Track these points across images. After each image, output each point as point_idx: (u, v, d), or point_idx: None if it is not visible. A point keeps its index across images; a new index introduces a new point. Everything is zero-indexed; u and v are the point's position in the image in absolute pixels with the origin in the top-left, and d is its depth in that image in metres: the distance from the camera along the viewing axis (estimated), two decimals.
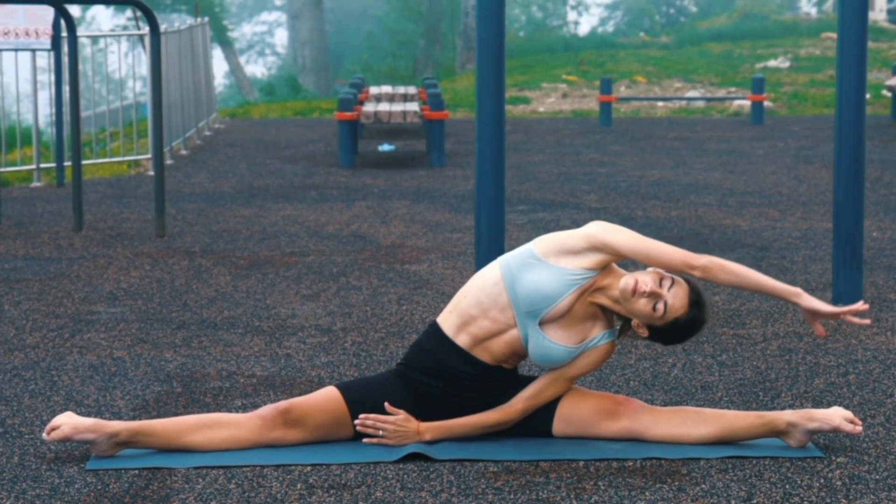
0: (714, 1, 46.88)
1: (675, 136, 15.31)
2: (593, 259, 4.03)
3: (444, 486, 3.77)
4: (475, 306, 4.08)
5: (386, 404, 4.08)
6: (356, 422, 4.08)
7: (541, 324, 4.04)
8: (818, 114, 18.39)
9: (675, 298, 4.00)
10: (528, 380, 4.18)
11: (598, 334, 4.09)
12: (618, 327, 4.18)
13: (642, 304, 3.99)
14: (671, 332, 4.05)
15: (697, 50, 29.63)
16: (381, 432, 4.06)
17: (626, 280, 4.00)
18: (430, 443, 4.07)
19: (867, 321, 4.12)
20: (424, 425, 4.09)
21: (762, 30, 32.15)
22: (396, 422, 4.07)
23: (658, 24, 46.60)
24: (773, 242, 7.99)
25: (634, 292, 3.98)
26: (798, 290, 4.08)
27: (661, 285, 3.99)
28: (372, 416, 4.07)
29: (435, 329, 4.14)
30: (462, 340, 4.09)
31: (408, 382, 4.14)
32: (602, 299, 4.07)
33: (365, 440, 4.07)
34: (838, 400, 4.64)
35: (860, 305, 4.04)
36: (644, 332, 4.07)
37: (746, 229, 8.49)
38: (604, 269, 4.05)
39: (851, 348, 5.42)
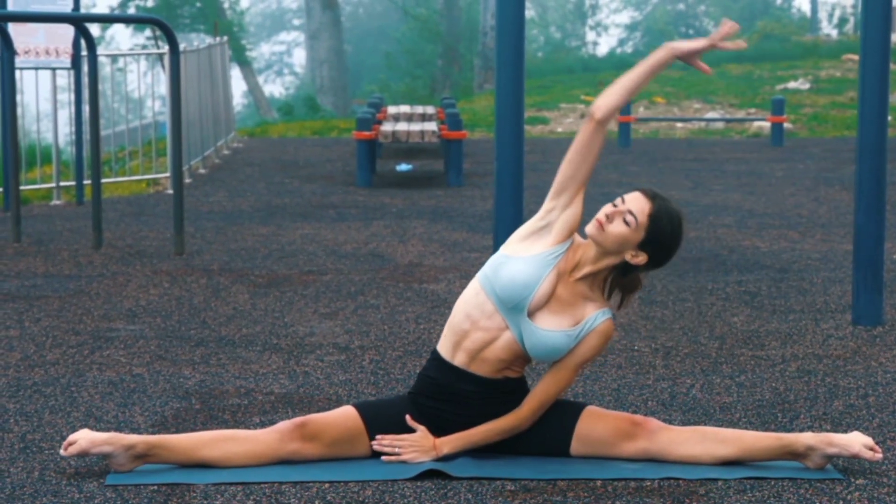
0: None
1: (694, 157, 15.30)
2: (556, 233, 4.06)
3: (461, 503, 3.77)
4: (465, 321, 4.09)
5: (407, 418, 4.10)
6: (373, 442, 4.09)
7: (530, 316, 4.04)
8: (838, 136, 18.36)
9: (634, 202, 4.02)
10: None
11: (592, 314, 4.07)
12: (614, 312, 4.15)
13: (615, 230, 4.00)
14: (657, 233, 4.01)
15: (717, 71, 29.59)
16: (397, 450, 4.07)
17: (589, 227, 4.03)
18: (448, 458, 4.07)
19: (741, 44, 4.09)
20: (440, 440, 4.10)
21: (782, 51, 32.11)
22: (413, 438, 4.09)
23: None
24: (793, 264, 7.97)
25: (602, 226, 4.00)
26: (663, 45, 4.11)
27: (614, 206, 4.02)
28: (388, 435, 4.08)
29: (434, 355, 4.17)
30: (459, 359, 4.10)
31: (419, 409, 4.15)
32: (585, 269, 4.06)
33: (383, 458, 4.08)
34: (858, 422, 4.62)
35: (728, 27, 4.07)
36: (641, 258, 4.04)
37: (766, 251, 8.48)
38: (569, 241, 4.06)
39: (871, 371, 5.40)
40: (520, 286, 4.02)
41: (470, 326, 4.09)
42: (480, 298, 4.08)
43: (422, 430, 4.09)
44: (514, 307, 4.03)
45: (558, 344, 4.05)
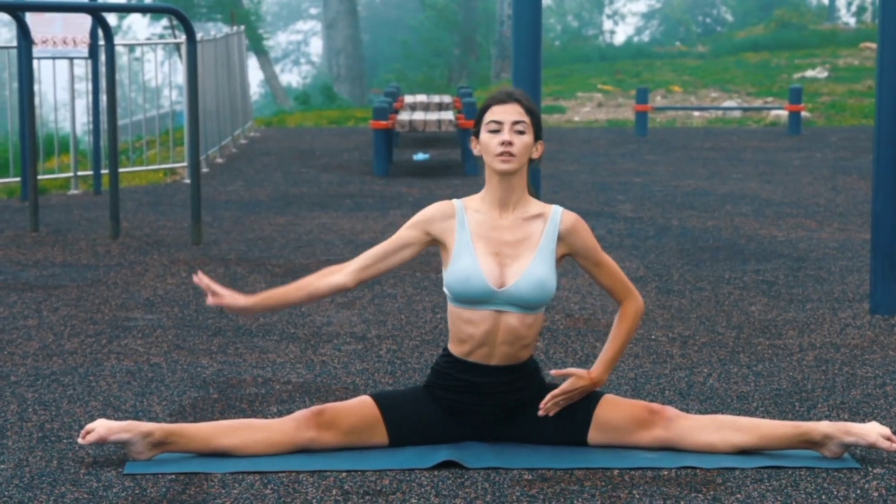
0: (751, 10, 46.72)
1: (712, 146, 15.27)
2: (442, 238, 4.21)
3: (479, 493, 3.77)
4: (465, 326, 4.12)
5: (552, 372, 4.13)
6: (540, 413, 4.11)
7: (502, 287, 4.08)
8: (856, 124, 18.30)
9: (508, 114, 4.10)
10: (552, 385, 4.22)
11: (549, 222, 4.14)
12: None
13: (520, 145, 4.08)
14: (535, 117, 4.14)
15: (734, 59, 29.54)
16: (563, 405, 4.12)
17: (501, 166, 4.09)
18: (467, 447, 4.07)
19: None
20: (594, 372, 4.13)
21: (800, 39, 32.01)
22: (570, 386, 4.10)
23: (694, 34, 46.48)
24: (810, 253, 7.96)
25: (510, 154, 4.08)
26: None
27: (499, 133, 4.09)
28: (549, 396, 4.10)
29: (447, 353, 4.19)
30: (478, 356, 4.13)
31: (437, 401, 4.16)
32: (513, 198, 4.14)
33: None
34: (875, 411, 4.62)
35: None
36: (540, 147, 4.16)
37: (783, 240, 8.46)
38: (455, 215, 4.16)
39: (889, 360, 5.39)
40: (467, 279, 4.07)
41: (472, 329, 4.12)
42: (459, 306, 4.13)
43: (572, 376, 4.10)
44: (484, 295, 4.07)
45: (539, 273, 4.09)
